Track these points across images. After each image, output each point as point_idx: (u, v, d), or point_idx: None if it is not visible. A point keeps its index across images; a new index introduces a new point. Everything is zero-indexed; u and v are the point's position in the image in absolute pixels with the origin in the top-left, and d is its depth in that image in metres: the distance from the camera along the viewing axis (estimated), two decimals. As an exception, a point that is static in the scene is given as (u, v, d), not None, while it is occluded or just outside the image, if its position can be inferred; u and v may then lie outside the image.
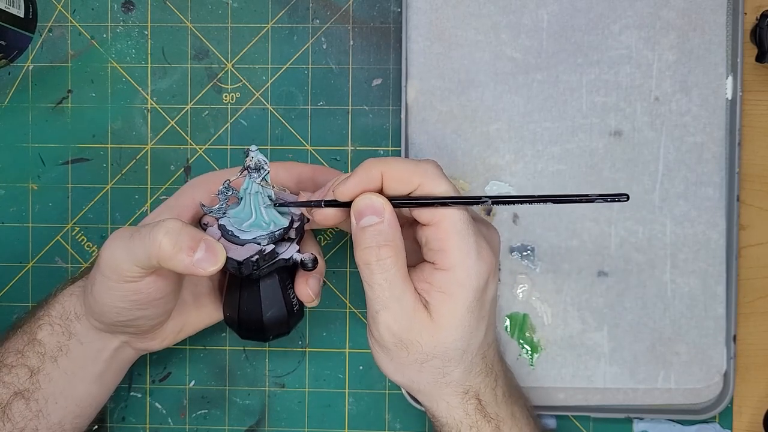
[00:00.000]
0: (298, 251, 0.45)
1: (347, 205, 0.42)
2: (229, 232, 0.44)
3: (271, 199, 0.44)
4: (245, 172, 0.44)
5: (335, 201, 0.42)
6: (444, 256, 0.41)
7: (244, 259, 0.43)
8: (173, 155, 0.56)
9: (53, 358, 0.46)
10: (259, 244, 0.44)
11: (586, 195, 0.40)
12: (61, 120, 0.56)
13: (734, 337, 0.53)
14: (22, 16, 0.54)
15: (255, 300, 0.46)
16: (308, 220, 0.46)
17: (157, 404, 0.56)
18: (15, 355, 0.46)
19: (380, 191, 0.42)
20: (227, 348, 0.56)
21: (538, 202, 0.41)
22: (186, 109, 0.56)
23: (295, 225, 0.45)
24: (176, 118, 0.56)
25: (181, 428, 0.56)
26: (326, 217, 0.43)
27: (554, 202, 0.41)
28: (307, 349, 0.56)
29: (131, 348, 0.49)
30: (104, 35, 0.56)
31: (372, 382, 0.56)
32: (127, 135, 0.56)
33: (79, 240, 0.56)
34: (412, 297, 0.42)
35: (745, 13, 0.53)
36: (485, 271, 0.42)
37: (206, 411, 0.56)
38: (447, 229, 0.41)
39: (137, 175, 0.56)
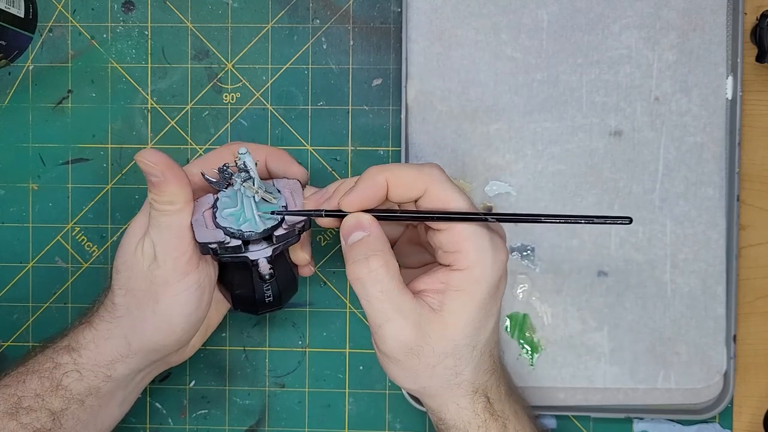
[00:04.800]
0: (270, 257, 0.45)
1: (345, 214, 0.43)
2: (215, 209, 0.45)
3: (255, 200, 0.44)
4: (238, 169, 0.44)
5: (337, 211, 0.43)
6: (460, 257, 0.41)
7: (201, 242, 0.43)
8: (173, 155, 0.54)
9: (80, 401, 0.45)
10: (227, 234, 0.44)
11: (588, 216, 0.41)
12: (61, 120, 0.56)
13: (734, 337, 0.53)
14: (22, 16, 0.54)
15: (227, 277, 0.48)
16: (304, 229, 0.46)
17: (157, 404, 0.56)
18: (34, 399, 0.44)
19: (385, 199, 0.42)
20: (227, 348, 0.56)
21: (539, 221, 0.42)
22: (186, 109, 0.56)
23: (278, 232, 0.45)
24: (176, 118, 0.56)
25: (181, 428, 0.56)
26: (326, 224, 0.44)
27: (555, 222, 0.42)
28: (307, 349, 0.56)
29: (164, 364, 0.49)
30: (104, 35, 0.56)
31: (372, 382, 0.56)
32: (128, 135, 0.56)
33: (79, 240, 0.56)
34: (412, 302, 0.41)
35: (745, 13, 0.53)
36: (500, 268, 0.42)
37: (206, 411, 0.56)
38: (461, 231, 0.41)
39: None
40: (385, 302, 0.41)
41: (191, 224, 0.44)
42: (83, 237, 0.56)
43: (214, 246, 0.43)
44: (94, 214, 0.56)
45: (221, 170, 0.45)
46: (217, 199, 0.45)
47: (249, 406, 0.56)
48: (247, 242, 0.44)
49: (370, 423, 0.56)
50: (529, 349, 0.54)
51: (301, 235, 0.46)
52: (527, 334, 0.54)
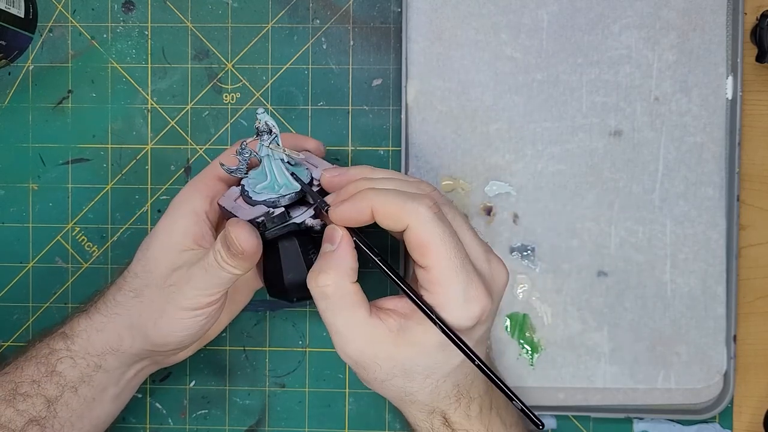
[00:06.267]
0: (314, 216, 0.45)
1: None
2: (246, 193, 0.45)
3: (283, 162, 0.44)
4: (257, 135, 0.44)
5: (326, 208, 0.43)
6: (433, 290, 0.40)
7: (250, 219, 0.43)
8: (173, 155, 0.56)
9: (74, 388, 0.46)
10: (269, 206, 0.44)
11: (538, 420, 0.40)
12: (61, 120, 0.56)
13: (734, 337, 0.53)
14: (22, 16, 0.54)
15: (276, 262, 0.46)
16: None
17: (157, 404, 0.56)
18: (30, 385, 0.45)
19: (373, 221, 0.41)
20: (227, 348, 0.56)
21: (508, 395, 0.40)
22: (186, 109, 0.56)
23: (314, 189, 0.45)
24: (176, 118, 0.56)
25: (181, 428, 0.56)
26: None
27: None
28: (307, 349, 0.56)
29: (155, 365, 0.50)
30: (104, 35, 0.56)
31: (372, 382, 0.56)
32: (128, 135, 0.56)
33: (79, 240, 0.56)
34: (363, 322, 0.41)
35: (745, 13, 0.53)
36: (472, 317, 0.40)
37: (206, 411, 0.56)
38: (437, 271, 0.40)
39: (137, 176, 0.56)
40: (330, 318, 0.41)
41: (231, 212, 0.44)
42: (83, 237, 0.56)
43: (261, 219, 0.43)
44: (94, 214, 0.56)
45: (240, 151, 0.45)
46: (242, 186, 0.45)
47: (249, 406, 0.56)
48: (288, 208, 0.44)
49: (370, 423, 0.56)
50: (529, 349, 0.54)
51: None
52: (527, 334, 0.54)
